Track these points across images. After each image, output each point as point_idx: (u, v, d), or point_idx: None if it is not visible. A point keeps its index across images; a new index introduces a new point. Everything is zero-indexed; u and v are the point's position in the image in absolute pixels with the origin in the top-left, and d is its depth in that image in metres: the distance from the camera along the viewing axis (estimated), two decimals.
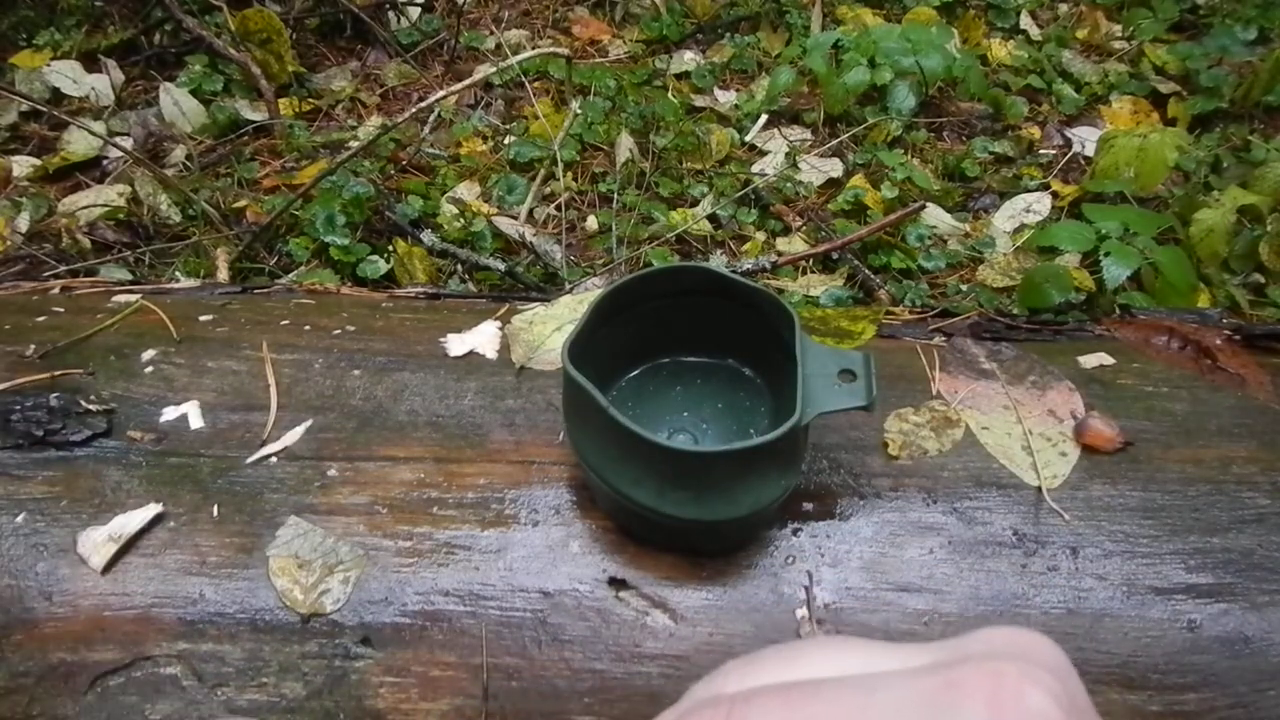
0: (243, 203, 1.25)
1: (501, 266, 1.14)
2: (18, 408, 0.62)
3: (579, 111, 1.41)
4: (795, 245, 1.23)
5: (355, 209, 1.19)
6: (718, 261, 1.20)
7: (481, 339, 0.71)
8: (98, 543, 0.56)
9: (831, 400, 0.54)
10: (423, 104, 1.19)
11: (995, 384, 0.68)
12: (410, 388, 0.66)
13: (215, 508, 0.58)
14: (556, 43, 1.66)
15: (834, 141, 1.41)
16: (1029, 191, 1.32)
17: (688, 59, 1.61)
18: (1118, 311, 1.06)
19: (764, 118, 1.46)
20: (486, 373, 0.68)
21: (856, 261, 1.17)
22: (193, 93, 1.44)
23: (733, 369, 0.65)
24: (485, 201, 1.28)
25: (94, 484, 0.60)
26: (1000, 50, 1.61)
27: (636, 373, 0.65)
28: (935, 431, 0.63)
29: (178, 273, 1.14)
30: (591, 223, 1.27)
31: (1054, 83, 1.54)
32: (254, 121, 1.41)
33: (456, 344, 0.70)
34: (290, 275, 1.14)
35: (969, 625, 0.54)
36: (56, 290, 0.80)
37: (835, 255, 1.18)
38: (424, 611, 0.55)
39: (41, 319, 0.72)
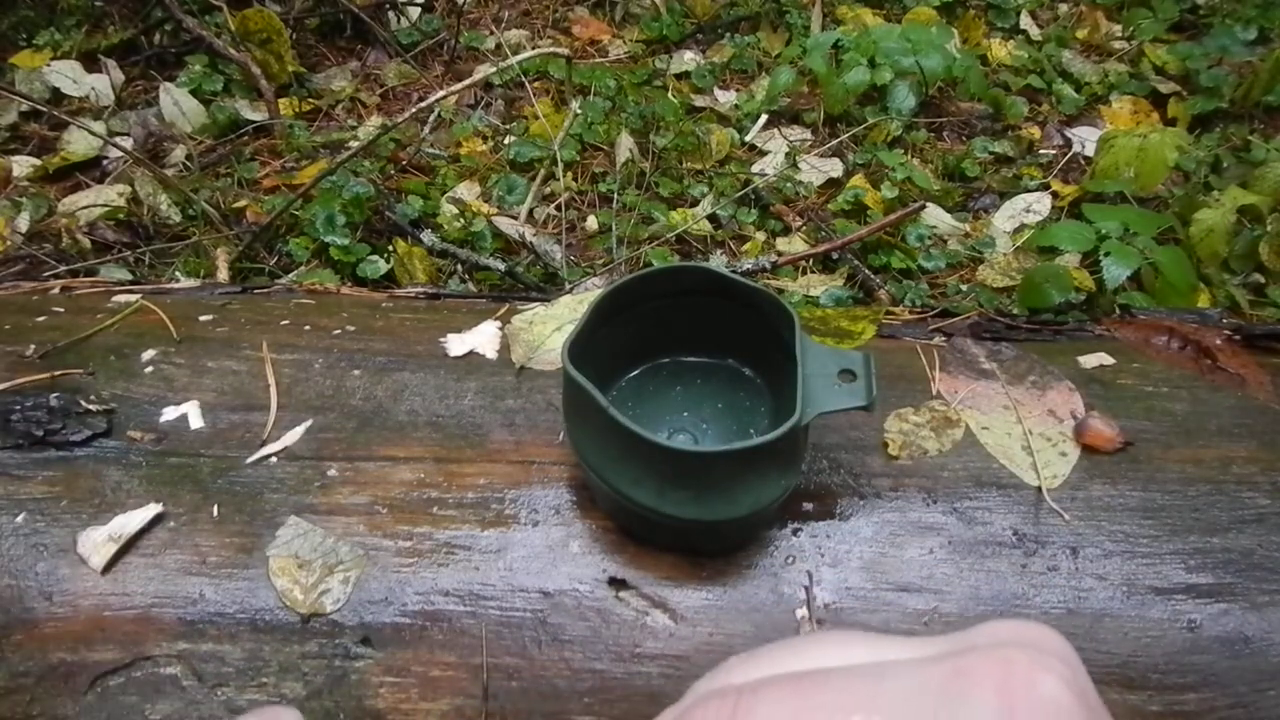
0: (243, 203, 1.25)
1: (501, 266, 1.14)
2: (18, 408, 0.62)
3: (579, 111, 1.41)
4: (795, 245, 1.23)
5: (355, 209, 1.19)
6: (718, 261, 1.20)
7: (481, 339, 0.71)
8: (98, 543, 0.56)
9: (831, 400, 0.54)
10: (423, 104, 1.19)
11: (995, 384, 0.68)
12: (410, 388, 0.66)
13: (215, 508, 0.58)
14: (556, 43, 1.66)
15: (834, 141, 1.41)
16: (1029, 191, 1.32)
17: (688, 59, 1.61)
18: (1118, 311, 1.06)
19: (764, 118, 1.46)
20: (486, 373, 0.68)
21: (856, 261, 1.17)
22: (193, 93, 1.44)
23: (733, 369, 0.65)
24: (485, 201, 1.28)
25: (94, 484, 0.60)
26: (1000, 50, 1.61)
27: (636, 373, 0.65)
28: (935, 431, 0.63)
29: (178, 273, 1.14)
30: (591, 223, 1.27)
31: (1054, 83, 1.54)
32: (254, 121, 1.41)
33: (456, 344, 0.70)
34: (290, 275, 1.14)
35: (969, 625, 0.54)
36: (56, 290, 0.80)
37: (835, 255, 1.18)
38: (424, 611, 0.55)
39: (41, 319, 0.72)
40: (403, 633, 0.54)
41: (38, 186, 1.29)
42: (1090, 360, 0.70)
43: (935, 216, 1.27)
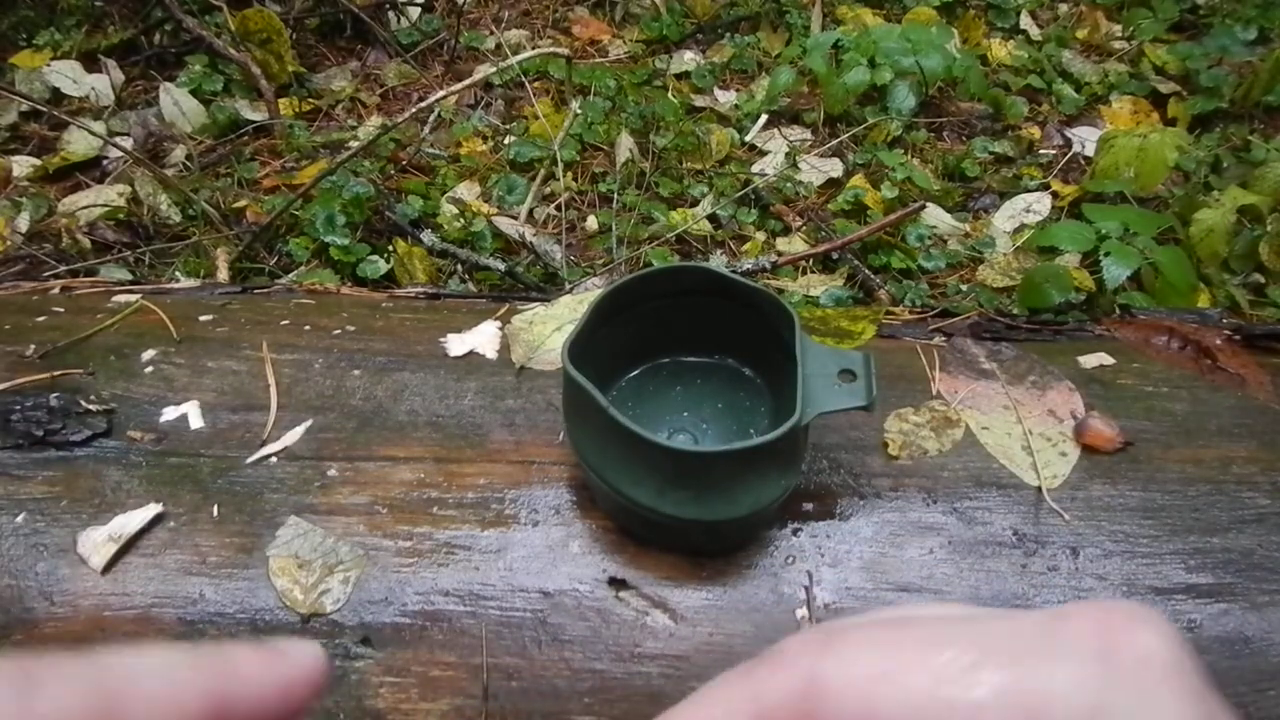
0: (243, 203, 1.25)
1: (501, 266, 1.14)
2: (18, 408, 0.62)
3: (579, 111, 1.41)
4: (795, 245, 1.23)
5: (355, 209, 1.19)
6: (718, 261, 1.20)
7: (481, 339, 0.71)
8: (98, 543, 0.56)
9: (831, 400, 0.54)
10: (423, 104, 1.19)
11: (995, 384, 0.68)
12: (410, 388, 0.66)
13: (215, 508, 0.58)
14: (556, 43, 1.66)
15: (834, 141, 1.41)
16: (1029, 191, 1.32)
17: (688, 59, 1.61)
18: (1118, 311, 1.06)
19: (764, 118, 1.46)
20: (486, 373, 0.68)
21: (856, 261, 1.17)
22: (193, 93, 1.44)
23: (733, 369, 0.65)
24: (485, 201, 1.28)
25: (94, 484, 0.60)
26: (1000, 50, 1.61)
27: (636, 373, 0.65)
28: (935, 431, 0.63)
29: (178, 273, 1.14)
30: (591, 223, 1.27)
31: (1054, 83, 1.54)
32: (254, 121, 1.41)
33: (456, 344, 0.70)
34: (290, 275, 1.14)
35: None
36: (56, 290, 0.80)
37: (835, 255, 1.18)
38: (424, 611, 0.55)
39: (41, 319, 0.72)
40: (403, 633, 0.54)
41: (38, 186, 1.29)
42: (1090, 360, 0.70)
43: (935, 216, 1.27)
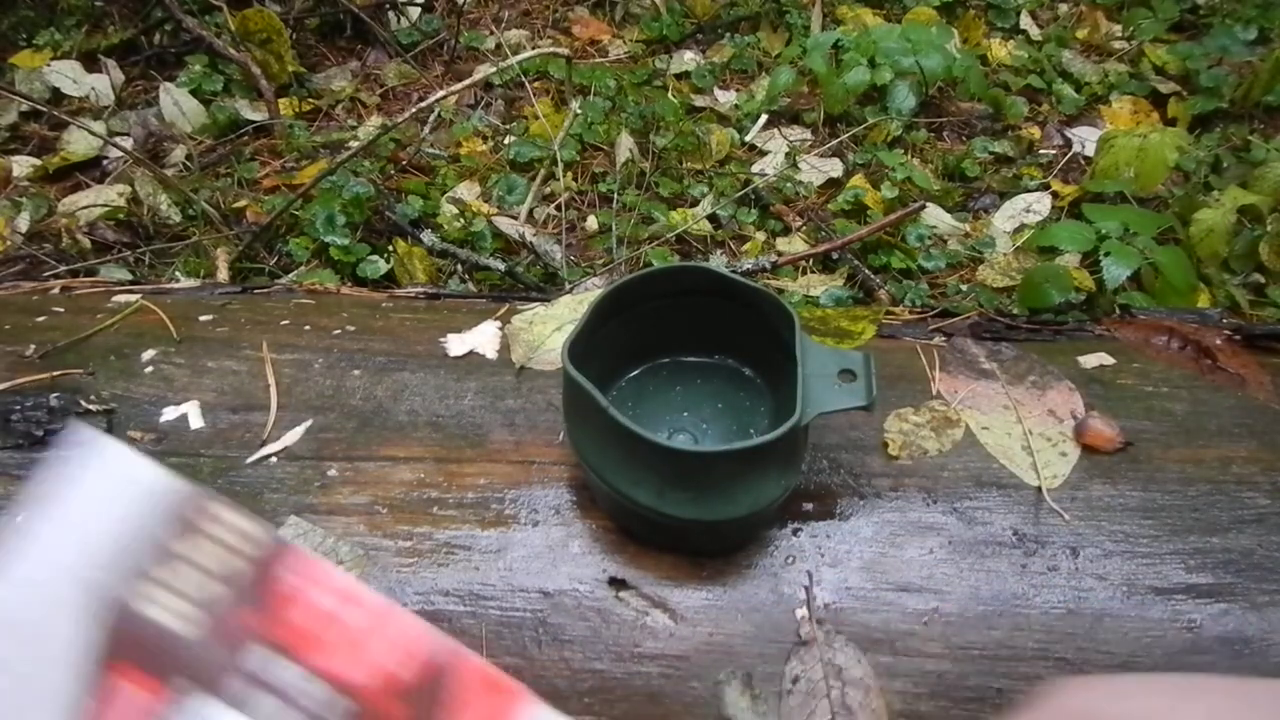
0: (243, 203, 1.25)
1: (501, 266, 1.14)
2: (18, 408, 0.62)
3: (579, 111, 1.41)
4: (795, 245, 1.23)
5: (355, 209, 1.19)
6: (718, 261, 1.20)
7: (481, 339, 0.71)
8: None
9: (831, 400, 0.54)
10: (423, 104, 1.19)
11: (995, 384, 0.68)
12: (410, 388, 0.66)
13: None
14: (556, 43, 1.66)
15: (834, 141, 1.41)
16: (1029, 191, 1.32)
17: (688, 59, 1.61)
18: (1118, 311, 1.06)
19: (764, 118, 1.46)
20: (486, 373, 0.68)
21: (856, 261, 1.17)
22: (193, 93, 1.44)
23: (733, 369, 0.65)
24: (485, 201, 1.28)
25: None
26: (1000, 50, 1.61)
27: (636, 373, 0.65)
28: (935, 431, 0.63)
29: (178, 273, 1.14)
30: (591, 223, 1.27)
31: (1054, 83, 1.54)
32: (254, 121, 1.41)
33: (456, 344, 0.70)
34: (290, 275, 1.14)
35: (969, 625, 0.54)
36: (56, 290, 0.80)
37: (835, 255, 1.18)
38: (424, 611, 0.55)
39: (41, 319, 0.72)
40: None
41: (38, 186, 1.29)
42: (1090, 360, 0.70)
43: (935, 216, 1.27)
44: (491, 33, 1.67)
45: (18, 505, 0.58)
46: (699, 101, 1.51)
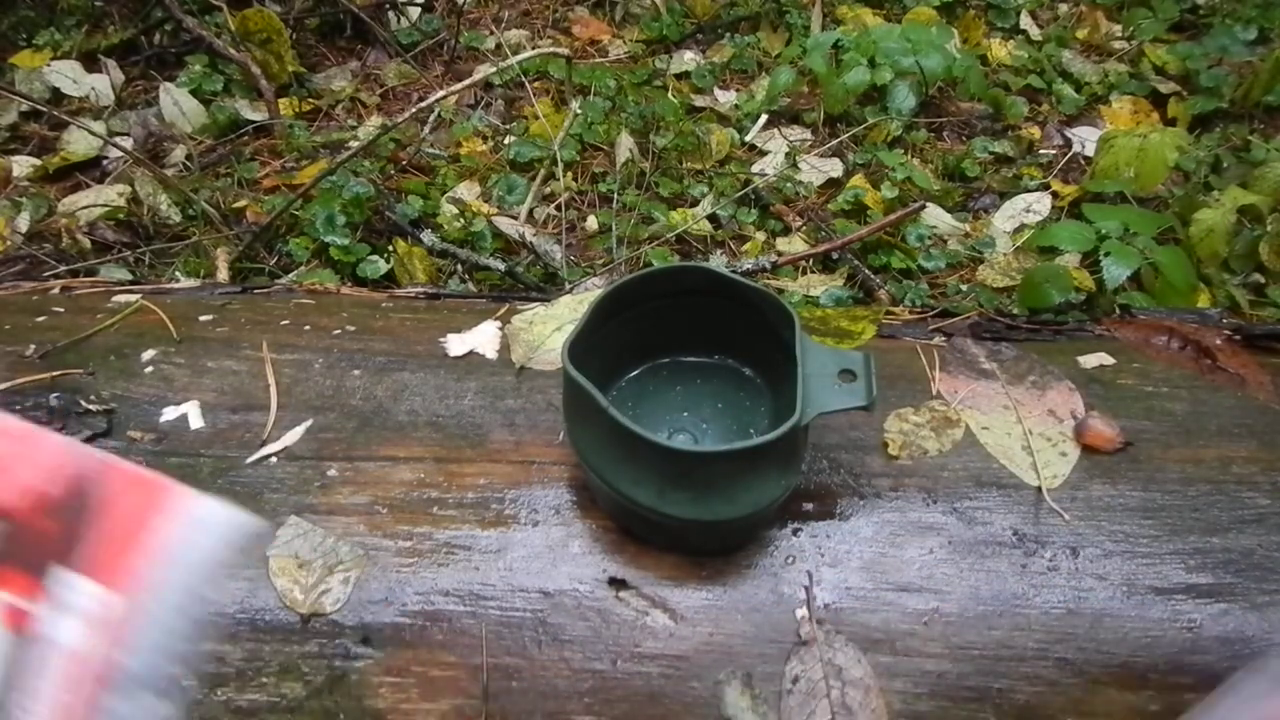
0: (243, 203, 1.25)
1: (501, 266, 1.14)
2: (18, 408, 0.62)
3: (579, 111, 1.41)
4: (795, 245, 1.23)
5: (355, 209, 1.19)
6: (718, 261, 1.20)
7: (481, 339, 0.71)
8: None
9: (831, 400, 0.54)
10: (423, 104, 1.19)
11: (995, 384, 0.68)
12: (410, 388, 0.66)
13: None
14: (556, 43, 1.66)
15: (834, 141, 1.41)
16: (1029, 191, 1.32)
17: (688, 59, 1.61)
18: (1118, 311, 1.06)
19: (764, 118, 1.46)
20: (486, 373, 0.68)
21: (856, 261, 1.17)
22: (193, 93, 1.44)
23: (733, 369, 0.65)
24: (485, 201, 1.28)
25: None
26: (1000, 50, 1.61)
27: (636, 373, 0.65)
28: (935, 431, 0.63)
29: (178, 273, 1.14)
30: (591, 223, 1.27)
31: (1054, 83, 1.54)
32: (254, 121, 1.41)
33: (456, 344, 0.70)
34: (290, 275, 1.14)
35: (969, 625, 0.54)
36: (56, 290, 0.80)
37: (835, 255, 1.18)
38: (424, 611, 0.55)
39: (41, 319, 0.72)
40: (403, 633, 0.54)
41: (38, 186, 1.29)
42: (1090, 360, 0.70)
43: (935, 216, 1.27)
44: (491, 33, 1.67)
45: None
46: (699, 101, 1.51)
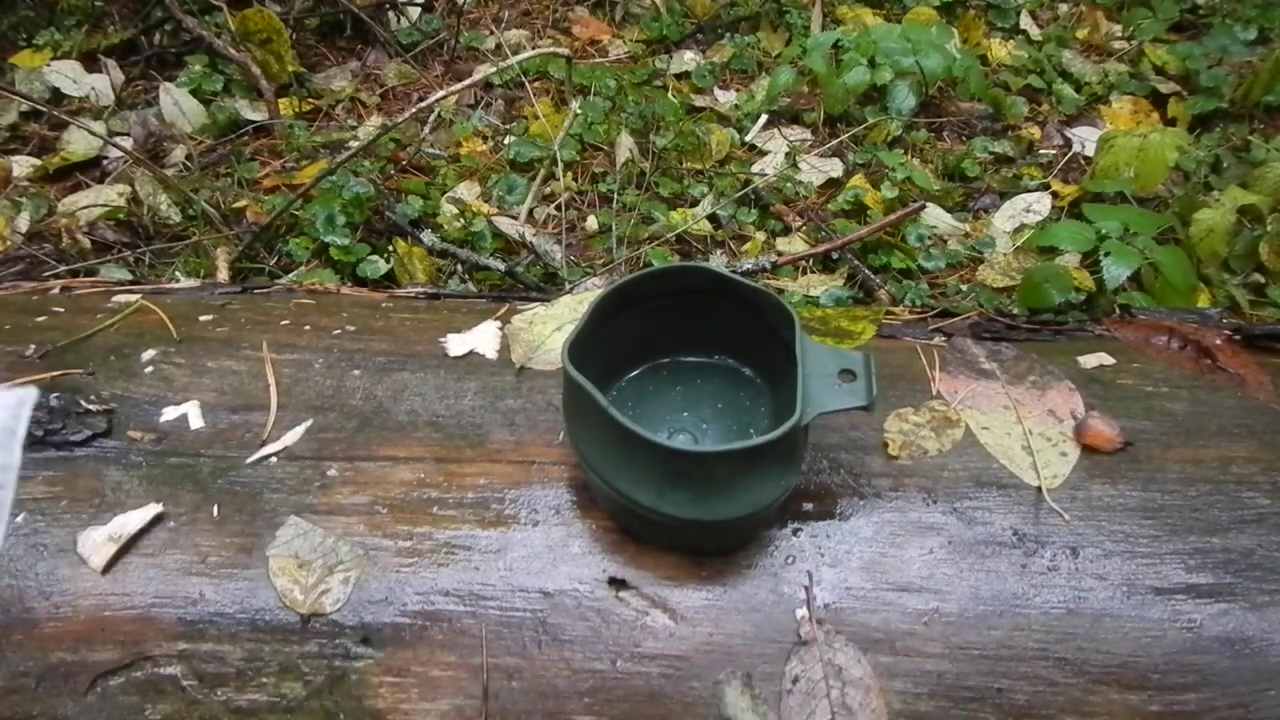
0: (243, 203, 1.25)
1: (501, 266, 1.14)
2: None
3: (579, 111, 1.41)
4: (795, 245, 1.23)
5: (355, 209, 1.19)
6: (718, 261, 1.20)
7: (481, 339, 0.71)
8: (98, 543, 0.56)
9: (831, 400, 0.54)
10: (423, 104, 1.19)
11: (995, 384, 0.68)
12: (410, 388, 0.66)
13: (215, 508, 0.58)
14: (556, 43, 1.66)
15: (834, 141, 1.41)
16: (1029, 191, 1.32)
17: (688, 59, 1.61)
18: (1118, 311, 1.06)
19: (764, 118, 1.46)
20: (486, 373, 0.68)
21: (856, 261, 1.17)
22: (193, 93, 1.44)
23: (733, 369, 0.65)
24: (485, 201, 1.28)
25: (94, 484, 0.60)
26: (1000, 50, 1.61)
27: (636, 373, 0.65)
28: (935, 431, 0.63)
29: (178, 273, 1.14)
30: (591, 223, 1.27)
31: (1054, 83, 1.54)
32: (254, 121, 1.41)
33: (456, 344, 0.70)
34: (290, 275, 1.14)
35: (969, 625, 0.54)
36: (56, 290, 0.80)
37: (835, 255, 1.18)
38: (424, 611, 0.55)
39: (41, 319, 0.72)
40: (403, 633, 0.54)
41: (38, 186, 1.29)
42: (1090, 360, 0.70)
43: (935, 216, 1.27)
44: (491, 33, 1.67)
45: (18, 505, 0.58)
46: (699, 101, 1.51)
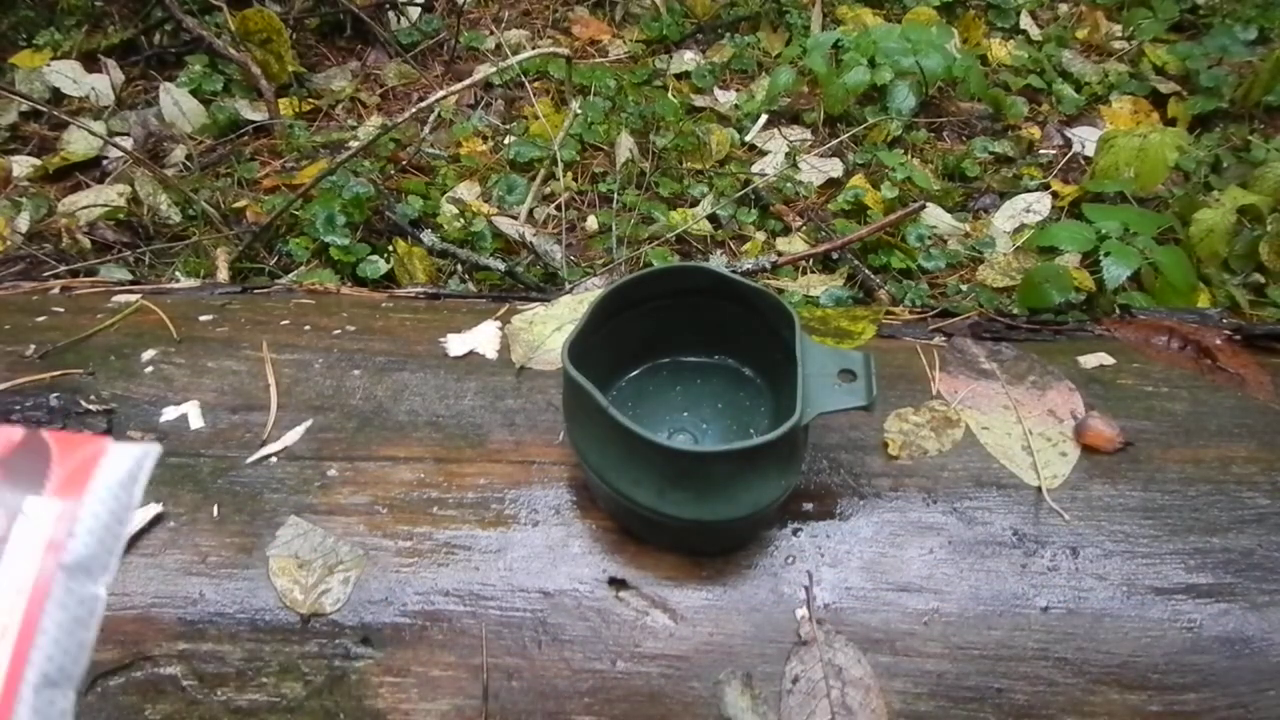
0: (243, 203, 1.25)
1: (501, 266, 1.14)
2: (18, 408, 0.62)
3: (579, 111, 1.41)
4: (795, 245, 1.23)
5: (355, 209, 1.19)
6: (718, 261, 1.20)
7: (481, 339, 0.71)
8: None
9: (831, 400, 0.54)
10: (423, 104, 1.19)
11: (995, 384, 0.68)
12: (410, 388, 0.66)
13: (215, 508, 0.58)
14: (556, 43, 1.66)
15: (834, 141, 1.41)
16: (1029, 191, 1.32)
17: (688, 59, 1.61)
18: (1118, 311, 1.06)
19: (764, 118, 1.46)
20: (486, 373, 0.68)
21: (856, 261, 1.17)
22: (193, 93, 1.44)
23: (733, 369, 0.65)
24: (485, 201, 1.28)
25: None
26: (1000, 50, 1.61)
27: (636, 373, 0.65)
28: (935, 431, 0.63)
29: (178, 273, 1.14)
30: (591, 223, 1.27)
31: (1054, 83, 1.54)
32: (254, 121, 1.41)
33: (456, 344, 0.70)
34: (290, 275, 1.14)
35: (969, 625, 0.54)
36: (56, 290, 0.80)
37: (835, 255, 1.18)
38: (424, 611, 0.55)
39: (41, 319, 0.72)
40: (403, 633, 0.54)
41: (38, 186, 1.29)
42: (1090, 360, 0.70)
43: (935, 216, 1.27)
44: (491, 33, 1.67)
45: None
46: (699, 101, 1.51)
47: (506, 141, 1.39)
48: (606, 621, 0.54)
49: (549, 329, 0.72)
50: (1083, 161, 1.40)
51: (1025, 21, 1.69)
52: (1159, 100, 1.51)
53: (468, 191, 1.29)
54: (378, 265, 1.14)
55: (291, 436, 0.63)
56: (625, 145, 1.36)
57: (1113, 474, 0.61)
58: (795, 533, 0.58)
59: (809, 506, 0.59)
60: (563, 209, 1.26)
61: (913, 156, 1.39)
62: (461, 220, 1.21)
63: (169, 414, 0.64)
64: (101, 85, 1.45)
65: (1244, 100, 1.45)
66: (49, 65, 1.46)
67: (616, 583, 0.56)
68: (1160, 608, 0.55)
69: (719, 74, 1.58)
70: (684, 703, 0.53)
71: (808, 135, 1.44)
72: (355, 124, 1.45)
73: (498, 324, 0.72)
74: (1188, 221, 1.14)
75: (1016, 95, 1.52)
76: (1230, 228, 1.12)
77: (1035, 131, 1.46)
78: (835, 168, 1.36)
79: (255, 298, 0.79)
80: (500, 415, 0.64)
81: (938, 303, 1.12)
